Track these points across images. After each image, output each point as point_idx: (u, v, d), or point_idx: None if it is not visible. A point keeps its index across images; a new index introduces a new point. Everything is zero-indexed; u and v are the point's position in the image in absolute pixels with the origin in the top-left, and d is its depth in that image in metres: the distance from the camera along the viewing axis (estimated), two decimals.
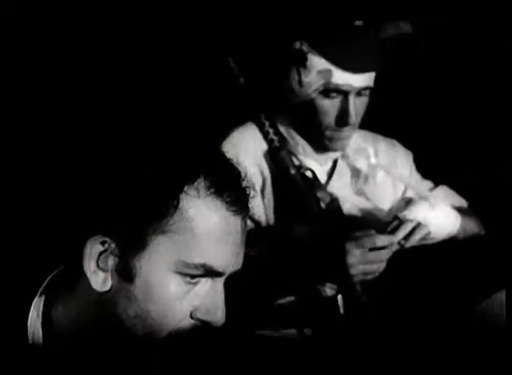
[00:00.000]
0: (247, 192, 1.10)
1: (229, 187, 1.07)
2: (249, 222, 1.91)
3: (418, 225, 1.87)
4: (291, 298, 1.93)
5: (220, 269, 1.07)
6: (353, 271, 1.80)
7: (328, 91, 1.88)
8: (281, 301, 1.92)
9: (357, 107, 1.90)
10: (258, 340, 1.91)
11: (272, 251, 1.92)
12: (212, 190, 1.06)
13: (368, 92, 1.92)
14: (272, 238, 1.94)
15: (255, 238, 1.95)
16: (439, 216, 1.92)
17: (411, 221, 1.87)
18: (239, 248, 1.10)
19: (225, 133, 1.99)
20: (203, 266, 1.06)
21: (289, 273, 1.87)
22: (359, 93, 1.89)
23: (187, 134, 1.13)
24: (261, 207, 1.95)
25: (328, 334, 1.92)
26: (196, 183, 1.06)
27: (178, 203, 1.04)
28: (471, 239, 2.05)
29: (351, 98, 1.88)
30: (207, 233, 1.05)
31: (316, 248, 1.86)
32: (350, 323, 1.90)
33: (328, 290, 1.91)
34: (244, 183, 1.10)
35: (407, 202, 1.93)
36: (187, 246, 1.05)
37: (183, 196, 1.05)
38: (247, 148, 1.96)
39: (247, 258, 1.89)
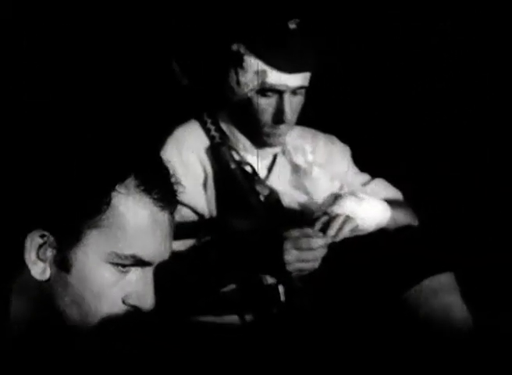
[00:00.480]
0: (175, 188, 1.20)
1: (158, 185, 1.16)
2: (193, 214, 2.02)
3: (347, 219, 1.92)
4: (233, 286, 1.98)
5: (147, 259, 1.17)
6: (289, 268, 1.86)
7: (264, 90, 1.95)
8: (223, 289, 1.97)
9: (292, 105, 1.97)
10: (200, 326, 1.99)
11: (214, 242, 1.99)
12: (142, 188, 1.15)
13: (303, 91, 1.99)
14: (215, 230, 2.01)
15: (199, 230, 2.04)
16: (367, 209, 1.97)
17: (340, 215, 1.93)
18: (166, 239, 1.19)
19: (169, 130, 2.05)
20: (133, 256, 1.15)
21: (231, 263, 1.93)
22: (294, 92, 1.97)
23: (121, 135, 1.22)
24: (203, 200, 2.01)
25: (269, 321, 1.99)
26: (126, 182, 1.15)
27: (110, 200, 1.14)
28: (403, 229, 2.13)
29: (286, 97, 1.95)
30: (136, 227, 1.15)
31: (255, 241, 1.92)
32: (290, 310, 1.99)
33: (269, 278, 1.97)
34: (172, 180, 1.20)
35: (336, 198, 1.98)
36: (118, 239, 1.14)
37: (114, 194, 1.14)
38: (190, 144, 2.03)
39: (192, 248, 1.97)
